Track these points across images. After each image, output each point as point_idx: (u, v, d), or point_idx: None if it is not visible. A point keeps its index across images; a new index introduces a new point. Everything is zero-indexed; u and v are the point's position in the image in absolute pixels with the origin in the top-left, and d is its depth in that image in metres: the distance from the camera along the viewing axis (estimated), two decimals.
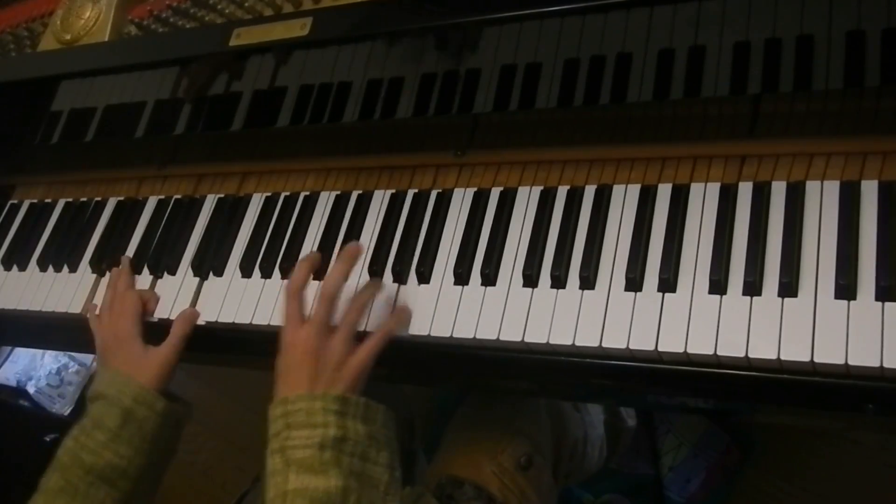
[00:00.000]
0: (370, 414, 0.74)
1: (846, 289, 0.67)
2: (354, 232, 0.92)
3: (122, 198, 1.12)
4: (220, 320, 0.92)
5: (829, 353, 0.65)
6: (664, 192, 0.80)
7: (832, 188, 0.73)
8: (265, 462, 0.72)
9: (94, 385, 0.87)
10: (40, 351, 1.91)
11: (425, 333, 0.81)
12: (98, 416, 0.83)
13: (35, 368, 1.93)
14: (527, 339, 0.77)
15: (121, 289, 0.96)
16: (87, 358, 1.94)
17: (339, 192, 0.97)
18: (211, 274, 0.97)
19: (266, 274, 0.93)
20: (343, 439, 0.70)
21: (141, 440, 0.83)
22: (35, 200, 1.19)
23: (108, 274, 1.03)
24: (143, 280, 1.01)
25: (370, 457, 0.71)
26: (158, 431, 0.84)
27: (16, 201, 1.21)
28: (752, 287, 0.71)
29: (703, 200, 0.78)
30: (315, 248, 0.93)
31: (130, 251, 1.04)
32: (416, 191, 0.92)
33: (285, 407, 0.73)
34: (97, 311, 0.96)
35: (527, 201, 0.86)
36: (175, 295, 0.97)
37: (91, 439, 0.81)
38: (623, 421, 1.25)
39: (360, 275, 0.88)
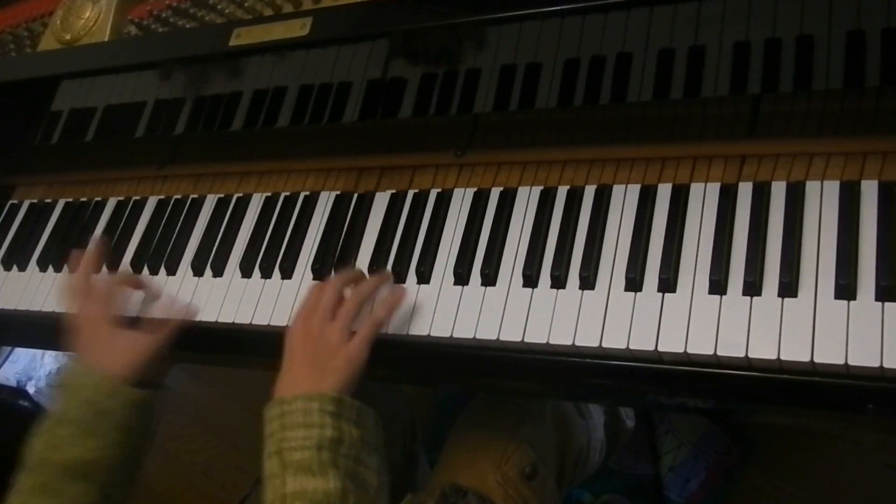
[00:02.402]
0: (362, 418, 0.74)
1: (846, 289, 0.67)
2: (354, 232, 0.92)
3: (122, 198, 1.12)
4: (220, 320, 0.92)
5: (829, 353, 0.65)
6: (664, 192, 0.80)
7: (832, 188, 0.73)
8: (262, 465, 0.72)
9: (61, 375, 0.86)
10: (40, 351, 1.92)
11: (425, 333, 0.81)
12: (62, 410, 0.82)
13: (35, 368, 1.93)
14: (527, 340, 0.77)
15: (84, 273, 0.92)
16: None
17: (339, 192, 0.97)
18: (210, 274, 0.97)
19: (266, 274, 0.93)
20: (339, 441, 0.71)
21: (110, 430, 0.81)
22: (35, 200, 1.19)
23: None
24: (137, 275, 1.00)
25: (362, 460, 0.72)
26: (128, 420, 0.82)
27: (16, 201, 1.21)
28: (752, 287, 0.71)
29: (703, 200, 0.78)
30: (315, 249, 0.93)
31: (130, 251, 1.05)
32: (416, 191, 0.92)
33: (281, 407, 0.73)
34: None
35: (527, 201, 0.86)
36: (175, 295, 0.97)
37: (57, 436, 0.80)
38: (622, 422, 1.25)
39: None
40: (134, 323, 0.91)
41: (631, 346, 0.72)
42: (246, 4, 0.93)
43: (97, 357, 0.84)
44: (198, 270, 0.98)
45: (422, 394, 1.25)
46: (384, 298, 0.83)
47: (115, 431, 0.81)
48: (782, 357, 0.67)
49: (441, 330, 0.81)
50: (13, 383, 1.91)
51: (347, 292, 0.82)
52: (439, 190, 0.91)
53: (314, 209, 0.97)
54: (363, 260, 0.89)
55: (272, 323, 0.89)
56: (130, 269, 1.02)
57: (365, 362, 0.77)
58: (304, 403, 0.72)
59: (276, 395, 0.75)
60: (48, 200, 1.18)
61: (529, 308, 0.78)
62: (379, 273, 0.86)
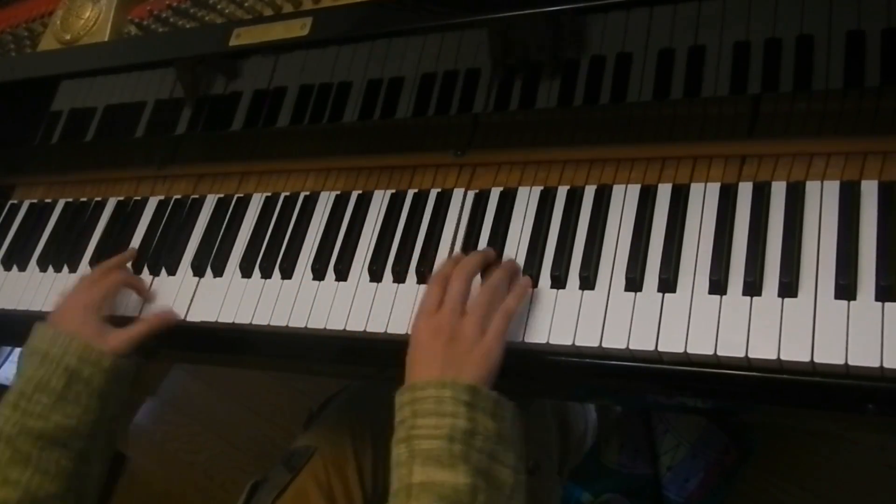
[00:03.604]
0: (499, 410, 0.69)
1: (846, 289, 0.67)
2: (354, 232, 0.92)
3: (122, 198, 1.12)
4: (220, 320, 0.92)
5: (829, 353, 0.65)
6: (664, 192, 0.80)
7: (832, 188, 0.73)
8: (391, 451, 0.68)
9: (33, 341, 0.85)
10: None
11: None
12: (40, 377, 0.81)
13: None
14: (527, 340, 0.77)
15: (106, 266, 0.96)
16: None
17: (339, 192, 0.97)
18: (211, 274, 0.97)
19: (266, 274, 0.93)
20: (472, 433, 0.66)
21: (89, 397, 0.81)
22: (35, 200, 1.19)
23: None
24: (143, 280, 1.00)
25: (497, 456, 0.66)
26: (107, 387, 0.83)
27: (16, 201, 1.21)
28: (752, 287, 0.71)
29: (703, 200, 0.78)
30: (315, 249, 0.93)
31: None
32: (416, 191, 0.92)
33: (413, 393, 0.69)
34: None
35: (527, 201, 0.86)
36: (174, 295, 0.97)
37: (35, 404, 0.80)
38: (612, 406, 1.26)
39: (359, 275, 0.88)
40: (118, 321, 0.91)
41: (631, 346, 0.72)
42: (246, 4, 0.93)
43: (81, 335, 0.84)
44: (198, 270, 0.98)
45: None
46: (515, 287, 0.77)
47: (94, 398, 0.82)
48: (782, 357, 0.67)
49: None
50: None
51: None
52: (439, 190, 0.91)
53: (314, 209, 0.97)
54: (363, 260, 0.89)
55: (272, 323, 0.89)
56: (131, 270, 1.02)
57: (502, 356, 0.72)
58: (436, 390, 0.68)
59: (408, 382, 0.71)
60: (48, 200, 1.18)
61: (529, 308, 0.78)
62: (507, 261, 0.81)
